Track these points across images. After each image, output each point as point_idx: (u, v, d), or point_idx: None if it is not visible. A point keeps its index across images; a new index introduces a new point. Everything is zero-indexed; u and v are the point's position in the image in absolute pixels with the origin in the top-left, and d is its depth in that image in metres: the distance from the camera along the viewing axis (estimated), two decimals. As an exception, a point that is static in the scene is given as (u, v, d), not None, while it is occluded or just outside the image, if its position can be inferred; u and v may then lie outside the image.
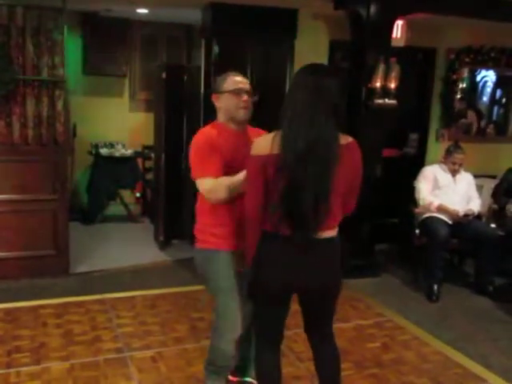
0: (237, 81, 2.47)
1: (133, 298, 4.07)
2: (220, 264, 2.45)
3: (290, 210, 2.01)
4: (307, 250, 2.09)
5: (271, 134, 2.06)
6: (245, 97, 2.44)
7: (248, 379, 2.85)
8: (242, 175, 2.28)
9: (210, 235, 2.46)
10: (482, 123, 6.21)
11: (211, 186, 2.34)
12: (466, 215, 4.54)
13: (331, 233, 2.13)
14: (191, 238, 5.63)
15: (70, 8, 4.26)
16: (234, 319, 2.46)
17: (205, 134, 2.45)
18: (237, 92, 2.43)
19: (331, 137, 2.00)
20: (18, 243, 4.29)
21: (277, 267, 2.12)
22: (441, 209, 4.54)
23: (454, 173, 4.67)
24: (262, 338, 2.34)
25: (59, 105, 4.26)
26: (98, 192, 6.16)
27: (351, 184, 2.13)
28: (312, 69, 2.09)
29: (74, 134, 6.07)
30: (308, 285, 2.16)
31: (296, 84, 2.07)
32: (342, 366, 3.08)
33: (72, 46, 5.25)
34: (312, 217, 2.00)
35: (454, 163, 4.64)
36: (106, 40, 6.03)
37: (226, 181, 2.34)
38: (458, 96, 5.88)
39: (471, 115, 6.12)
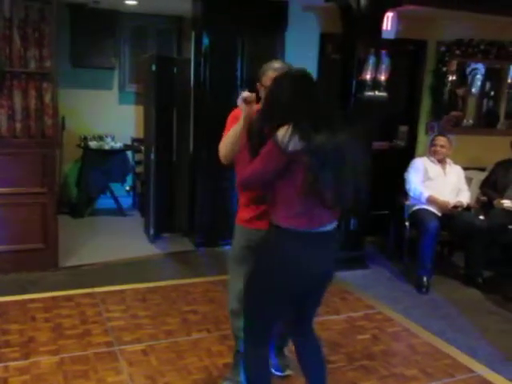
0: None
1: (123, 291, 4.05)
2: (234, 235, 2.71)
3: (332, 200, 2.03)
4: (323, 243, 2.13)
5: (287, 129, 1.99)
6: None
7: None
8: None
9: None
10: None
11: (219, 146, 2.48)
12: (455, 207, 4.57)
13: (335, 223, 2.17)
14: (182, 231, 5.65)
15: (57, -1, 4.21)
16: (231, 282, 2.73)
17: (235, 111, 2.56)
18: None
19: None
20: (6, 237, 4.25)
21: (301, 264, 2.09)
22: (431, 200, 4.56)
23: (436, 156, 4.69)
24: (256, 337, 2.27)
25: (47, 97, 4.21)
26: (87, 185, 6.11)
27: None
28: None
29: (63, 127, 6.01)
30: (323, 277, 2.21)
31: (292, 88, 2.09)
32: (333, 358, 3.12)
33: (60, 38, 5.18)
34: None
35: (435, 145, 4.70)
36: (95, 32, 5.96)
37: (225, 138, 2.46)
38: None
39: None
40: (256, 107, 2.33)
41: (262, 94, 2.42)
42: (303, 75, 2.15)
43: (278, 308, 2.22)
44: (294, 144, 1.95)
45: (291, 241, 2.08)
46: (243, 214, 2.56)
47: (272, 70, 2.43)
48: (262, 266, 2.17)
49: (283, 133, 1.97)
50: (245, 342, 2.32)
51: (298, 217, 2.04)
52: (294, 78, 2.12)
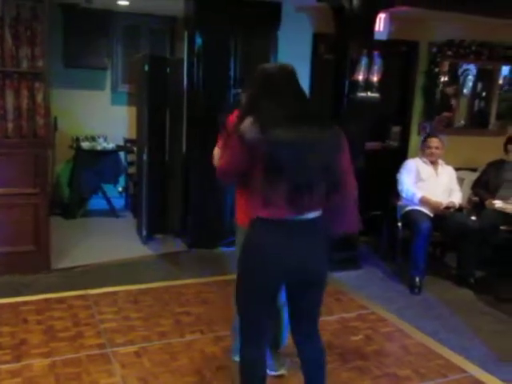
0: None
1: (115, 293, 4.04)
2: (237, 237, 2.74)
3: (290, 189, 2.04)
4: (299, 233, 2.12)
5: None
6: None
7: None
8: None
9: None
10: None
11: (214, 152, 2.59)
12: (447, 207, 4.59)
13: (316, 213, 2.16)
14: (175, 232, 5.64)
15: (49, -2, 4.19)
16: None
17: (235, 114, 2.57)
18: None
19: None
20: (-3, 238, 4.22)
21: (270, 255, 2.10)
22: (424, 201, 4.58)
23: (431, 158, 4.71)
24: (247, 336, 2.27)
25: (39, 97, 4.18)
26: (79, 186, 6.08)
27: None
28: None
29: (55, 128, 5.98)
30: (299, 268, 2.16)
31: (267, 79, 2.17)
32: (327, 358, 3.10)
33: (52, 38, 5.14)
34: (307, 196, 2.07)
35: (430, 147, 4.71)
36: (87, 32, 5.93)
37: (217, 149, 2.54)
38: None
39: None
40: None
41: None
42: (275, 70, 2.19)
43: (262, 304, 2.21)
44: (253, 135, 2.01)
45: (258, 228, 2.13)
46: (244, 216, 2.51)
47: None
48: (240, 259, 2.22)
49: (246, 124, 2.05)
50: (240, 342, 2.33)
51: (267, 207, 2.08)
52: (261, 72, 2.19)
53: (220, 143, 2.55)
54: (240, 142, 2.06)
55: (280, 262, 2.12)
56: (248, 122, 2.05)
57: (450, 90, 6.09)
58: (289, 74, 2.18)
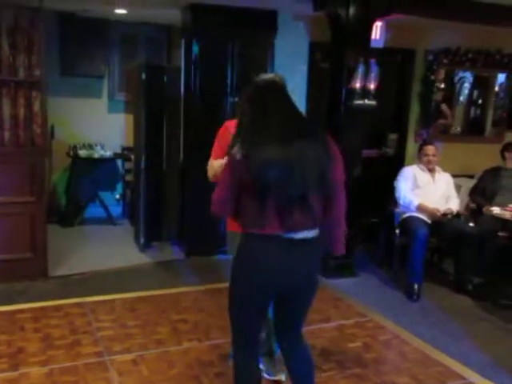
0: None
1: (113, 300, 4.02)
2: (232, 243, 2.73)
3: (276, 207, 2.03)
4: (291, 248, 2.10)
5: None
6: None
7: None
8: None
9: None
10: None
11: (208, 165, 2.65)
12: (444, 214, 4.59)
13: (312, 232, 2.14)
14: (173, 240, 5.63)
15: (46, 7, 4.20)
16: None
17: (226, 124, 2.68)
18: None
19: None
20: (-6, 246, 4.21)
21: (261, 265, 2.11)
22: (421, 208, 4.59)
23: (428, 166, 4.73)
24: (239, 340, 2.29)
25: (36, 106, 4.19)
26: (76, 194, 6.08)
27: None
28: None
29: (52, 136, 5.99)
30: (288, 279, 2.16)
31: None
32: (325, 366, 3.10)
33: (49, 47, 5.16)
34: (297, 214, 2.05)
35: (427, 155, 4.73)
36: (84, 40, 5.94)
37: (214, 162, 2.57)
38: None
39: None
40: None
41: None
42: (264, 86, 2.17)
43: (253, 309, 2.21)
44: (240, 155, 2.01)
45: (250, 239, 2.12)
46: (235, 224, 2.55)
47: None
48: (232, 266, 2.23)
49: (237, 145, 2.05)
50: (233, 347, 2.33)
51: (256, 226, 2.07)
52: (251, 89, 2.18)
53: (214, 154, 2.62)
54: (229, 165, 2.07)
55: (271, 272, 2.11)
56: (238, 144, 2.05)
57: (439, 97, 6.09)
58: (278, 90, 2.16)
